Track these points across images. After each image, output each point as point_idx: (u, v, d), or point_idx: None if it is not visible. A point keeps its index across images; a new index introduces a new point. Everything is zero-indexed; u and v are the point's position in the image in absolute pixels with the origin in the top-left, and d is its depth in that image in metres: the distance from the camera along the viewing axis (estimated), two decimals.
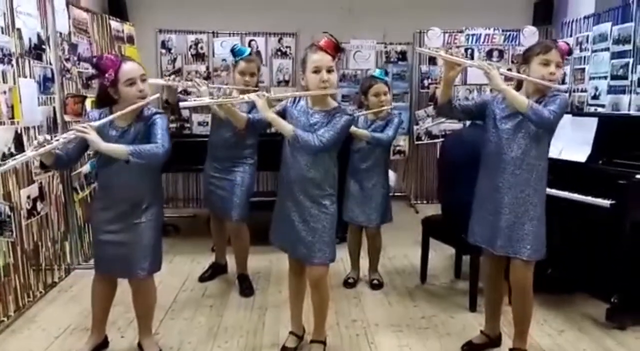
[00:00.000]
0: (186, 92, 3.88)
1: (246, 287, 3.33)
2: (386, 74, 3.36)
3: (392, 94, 3.34)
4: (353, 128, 3.09)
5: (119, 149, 2.15)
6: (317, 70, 2.22)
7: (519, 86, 2.35)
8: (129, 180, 2.27)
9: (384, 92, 3.20)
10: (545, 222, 2.30)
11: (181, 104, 2.54)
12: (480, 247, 2.46)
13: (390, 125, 3.20)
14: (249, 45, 5.57)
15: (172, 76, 3.06)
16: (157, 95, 2.48)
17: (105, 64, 2.18)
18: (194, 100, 2.42)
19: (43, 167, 2.32)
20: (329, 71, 2.23)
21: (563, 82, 5.10)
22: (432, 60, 5.76)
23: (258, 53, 5.52)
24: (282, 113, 2.36)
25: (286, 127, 2.24)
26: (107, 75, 2.17)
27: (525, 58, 2.30)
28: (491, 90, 5.57)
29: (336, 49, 2.26)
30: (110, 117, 2.20)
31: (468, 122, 3.76)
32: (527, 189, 2.26)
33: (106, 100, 2.28)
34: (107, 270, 2.39)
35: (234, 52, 3.17)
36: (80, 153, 2.36)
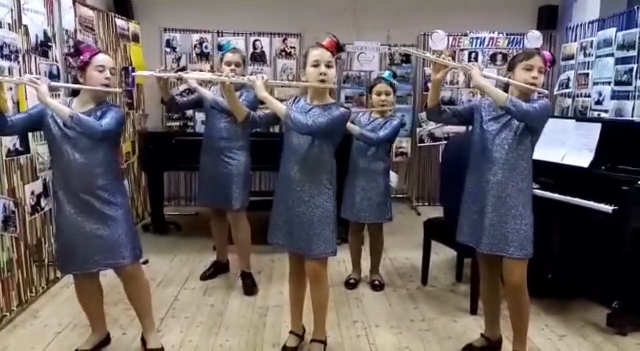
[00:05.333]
0: (190, 92, 3.96)
1: (249, 285, 3.35)
2: (395, 77, 3.43)
3: (395, 97, 3.40)
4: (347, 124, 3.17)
5: (62, 109, 2.19)
6: (316, 65, 2.30)
7: (505, 92, 2.40)
8: (86, 171, 2.27)
9: (386, 92, 3.29)
10: (531, 221, 2.32)
11: (185, 76, 2.63)
12: (471, 247, 2.47)
13: (387, 127, 3.24)
14: (254, 45, 5.60)
15: (162, 68, 3.17)
16: (120, 90, 2.60)
17: (84, 48, 2.35)
18: (197, 75, 2.49)
19: None
20: (328, 66, 2.31)
21: (567, 87, 5.12)
22: None
23: (262, 53, 5.58)
24: None
25: (280, 106, 2.30)
26: (82, 56, 2.29)
27: (510, 66, 2.39)
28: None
29: (337, 48, 2.39)
30: (74, 86, 2.34)
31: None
32: (509, 189, 2.30)
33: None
34: (84, 267, 2.34)
35: (221, 46, 3.41)
36: (26, 126, 2.33)
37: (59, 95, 3.20)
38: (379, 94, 3.29)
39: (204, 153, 3.37)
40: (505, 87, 2.40)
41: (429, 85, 5.67)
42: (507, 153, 2.30)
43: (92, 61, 2.29)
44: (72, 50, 2.39)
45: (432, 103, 2.42)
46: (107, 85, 2.32)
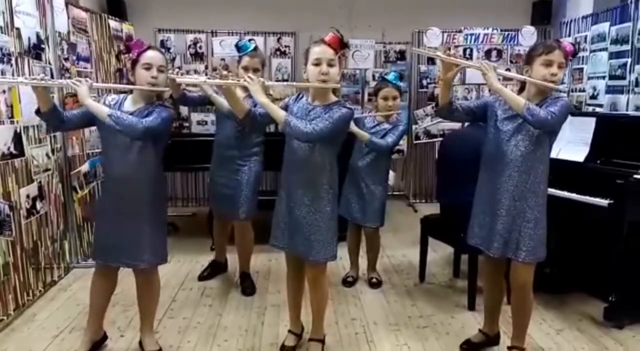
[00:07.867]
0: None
1: (248, 286, 3.34)
2: (401, 78, 3.28)
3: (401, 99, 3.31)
4: (354, 128, 3.11)
5: (101, 109, 2.21)
6: (317, 63, 2.21)
7: (522, 88, 2.33)
8: (126, 169, 2.29)
9: (393, 96, 3.20)
10: (545, 225, 2.27)
11: (177, 79, 2.56)
12: (479, 248, 2.46)
13: (394, 132, 3.19)
14: None
15: (176, 70, 3.11)
16: (168, 88, 2.54)
17: (133, 45, 2.33)
18: (191, 78, 2.44)
19: (37, 113, 2.28)
20: (330, 65, 2.21)
21: (562, 82, 5.13)
22: (431, 60, 5.79)
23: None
24: (284, 110, 2.33)
25: (278, 112, 2.22)
26: (131, 54, 2.30)
27: (528, 59, 2.27)
28: (489, 91, 5.54)
29: (340, 45, 2.26)
30: (115, 85, 2.39)
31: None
32: (524, 191, 2.24)
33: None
34: (107, 259, 2.39)
35: (238, 47, 3.18)
36: (80, 121, 2.40)
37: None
38: (386, 99, 3.19)
39: (215, 160, 3.30)
40: (522, 83, 2.31)
41: (424, 82, 5.82)
42: (523, 155, 2.21)
43: (139, 58, 2.27)
44: (123, 49, 2.42)
45: (443, 102, 2.33)
46: (153, 84, 2.28)
